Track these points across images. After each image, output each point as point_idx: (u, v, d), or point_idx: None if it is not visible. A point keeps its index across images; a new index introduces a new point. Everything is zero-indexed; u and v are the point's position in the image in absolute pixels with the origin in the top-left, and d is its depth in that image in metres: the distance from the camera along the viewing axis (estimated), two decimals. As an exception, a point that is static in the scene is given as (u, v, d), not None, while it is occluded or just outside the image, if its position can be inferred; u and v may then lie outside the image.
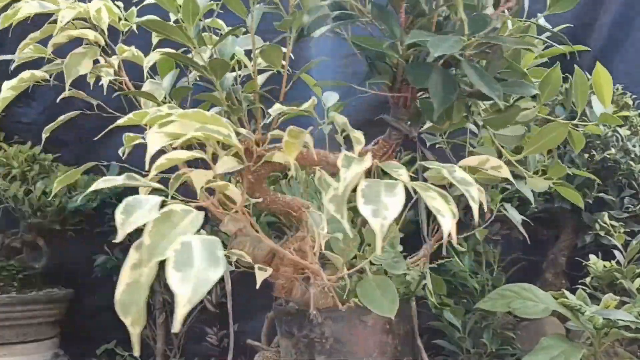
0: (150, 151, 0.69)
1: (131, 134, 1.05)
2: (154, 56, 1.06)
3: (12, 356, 1.61)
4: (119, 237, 0.57)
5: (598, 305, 1.17)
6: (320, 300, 1.01)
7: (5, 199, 1.66)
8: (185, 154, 0.74)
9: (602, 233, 1.38)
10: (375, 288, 0.98)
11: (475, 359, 1.38)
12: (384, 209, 0.63)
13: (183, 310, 0.50)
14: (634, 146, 1.46)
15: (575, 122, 1.03)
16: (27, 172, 1.70)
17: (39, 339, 1.67)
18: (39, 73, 1.01)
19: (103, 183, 0.74)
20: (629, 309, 1.12)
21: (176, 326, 0.50)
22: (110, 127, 0.88)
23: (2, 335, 1.60)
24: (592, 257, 1.33)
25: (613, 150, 1.44)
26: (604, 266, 1.30)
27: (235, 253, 0.95)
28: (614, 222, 1.37)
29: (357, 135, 0.80)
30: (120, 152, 1.03)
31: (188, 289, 0.51)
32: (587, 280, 1.32)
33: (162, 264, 0.55)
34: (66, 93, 1.01)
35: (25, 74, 1.00)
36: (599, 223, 1.39)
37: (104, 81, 1.07)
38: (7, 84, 0.98)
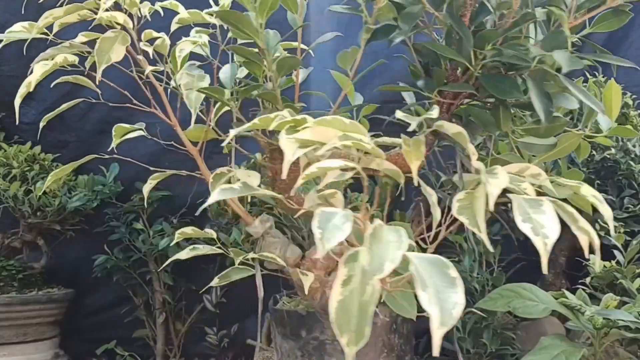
0: (288, 159, 0.65)
1: (125, 125, 1.02)
2: (186, 45, 1.01)
3: (12, 356, 1.61)
4: (320, 253, 0.54)
5: (598, 305, 1.17)
6: None
7: (5, 199, 1.66)
8: (338, 164, 0.69)
9: (602, 233, 1.38)
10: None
11: (475, 359, 1.38)
12: (540, 227, 0.64)
13: (438, 333, 0.49)
14: (634, 146, 1.46)
15: (587, 132, 1.03)
16: (27, 172, 1.70)
17: (39, 339, 1.67)
18: (71, 57, 0.96)
19: (223, 193, 0.73)
20: (629, 309, 1.11)
21: (435, 350, 0.49)
22: (241, 128, 0.80)
23: (2, 335, 1.60)
24: (592, 257, 1.33)
25: (613, 150, 1.44)
26: (604, 266, 1.29)
27: (267, 256, 0.94)
28: (614, 222, 1.37)
29: (473, 149, 0.79)
30: (113, 145, 1.01)
31: (436, 311, 0.50)
32: (587, 280, 1.32)
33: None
34: (98, 79, 0.92)
35: (59, 58, 0.95)
36: (599, 223, 1.39)
37: (126, 72, 0.99)
38: (39, 67, 0.93)
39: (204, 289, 1.03)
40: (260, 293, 0.99)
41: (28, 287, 1.71)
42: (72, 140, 1.85)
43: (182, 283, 1.84)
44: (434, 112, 0.74)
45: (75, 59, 0.95)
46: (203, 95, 0.95)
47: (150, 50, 0.98)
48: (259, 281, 1.00)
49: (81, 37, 0.96)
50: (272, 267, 0.98)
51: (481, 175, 0.70)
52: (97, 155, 1.04)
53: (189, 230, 1.03)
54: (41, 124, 1.03)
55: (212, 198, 0.72)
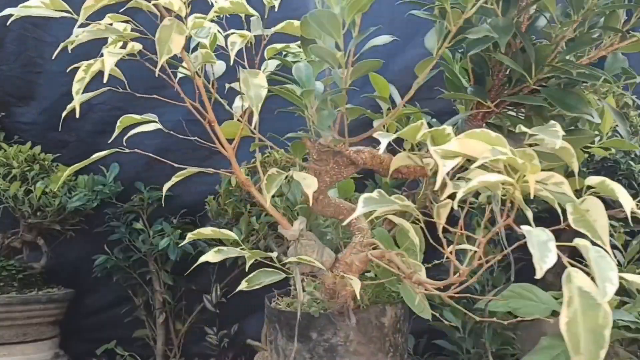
0: (442, 172, 0.65)
1: (135, 116, 0.97)
2: (236, 39, 0.95)
3: (12, 356, 1.61)
4: (539, 274, 0.57)
5: (598, 305, 1.17)
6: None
7: (5, 199, 1.66)
8: (496, 178, 0.68)
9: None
10: (411, 291, 1.00)
11: (475, 359, 1.38)
12: None
13: None
14: (634, 146, 1.46)
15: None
16: (27, 172, 1.70)
17: (39, 339, 1.67)
18: (138, 45, 0.90)
19: (368, 205, 0.72)
20: (629, 309, 1.11)
21: None
22: (392, 136, 0.76)
23: (2, 335, 1.60)
24: (592, 257, 1.33)
25: (613, 150, 1.44)
26: (604, 266, 1.29)
27: (305, 259, 0.93)
28: (614, 222, 1.37)
29: (577, 165, 0.80)
30: (121, 137, 0.97)
31: None
32: (587, 280, 1.32)
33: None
34: (157, 71, 0.84)
35: (128, 47, 0.89)
36: (599, 223, 1.39)
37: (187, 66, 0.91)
38: (111, 56, 0.84)
39: (236, 290, 0.99)
40: (300, 296, 0.97)
41: (28, 287, 1.71)
42: (72, 140, 1.84)
43: (182, 283, 1.84)
44: (559, 129, 0.73)
45: (140, 47, 0.89)
46: (264, 93, 0.89)
47: (206, 41, 0.92)
48: (299, 285, 0.98)
49: (107, 19, 0.89)
50: (306, 270, 0.97)
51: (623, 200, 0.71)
52: (118, 149, 0.99)
53: (207, 231, 1.00)
54: (64, 114, 0.96)
55: (359, 210, 0.72)
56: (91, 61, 0.85)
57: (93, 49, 0.90)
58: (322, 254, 0.96)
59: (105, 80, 0.81)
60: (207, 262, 1.78)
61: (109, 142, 0.97)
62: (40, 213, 1.69)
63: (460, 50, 1.05)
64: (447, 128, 0.71)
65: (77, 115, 0.85)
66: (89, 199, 1.70)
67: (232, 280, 1.78)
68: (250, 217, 1.53)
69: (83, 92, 0.88)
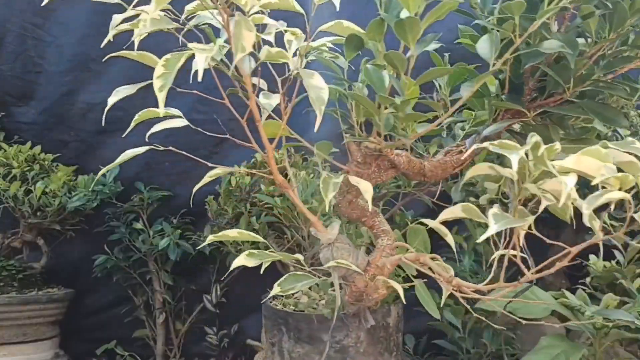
0: (567, 189, 0.68)
1: (157, 110, 0.92)
2: (290, 37, 0.91)
3: (12, 356, 1.61)
4: None
5: (598, 305, 1.17)
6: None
7: (5, 199, 1.66)
8: (619, 195, 0.71)
9: (602, 233, 1.38)
10: (423, 292, 1.00)
11: (475, 359, 1.38)
12: None
13: None
14: (634, 146, 1.46)
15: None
16: (27, 172, 1.70)
17: (39, 339, 1.67)
18: (221, 40, 0.86)
19: (503, 224, 0.74)
20: (629, 309, 1.12)
21: None
22: (521, 150, 0.74)
23: (2, 335, 1.60)
24: (592, 257, 1.33)
25: (613, 150, 1.44)
26: (604, 266, 1.29)
27: (343, 264, 0.93)
28: (614, 222, 1.37)
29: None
30: (121, 138, 0.95)
31: None
32: (587, 280, 1.32)
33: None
34: (231, 70, 0.81)
35: (220, 40, 0.86)
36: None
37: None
38: (202, 54, 0.79)
39: (270, 295, 0.96)
40: (338, 301, 0.96)
41: (28, 287, 1.71)
42: (72, 140, 1.85)
43: (182, 283, 1.84)
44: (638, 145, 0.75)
45: (221, 41, 0.86)
46: (325, 95, 0.85)
47: (271, 38, 0.89)
48: (337, 288, 0.96)
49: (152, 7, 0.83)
50: (340, 273, 0.97)
51: None
52: (153, 146, 0.95)
53: (232, 233, 0.97)
54: (106, 109, 0.93)
55: (493, 228, 0.74)
56: (168, 56, 0.80)
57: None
58: (357, 257, 0.96)
59: (199, 79, 0.76)
60: (207, 263, 1.79)
61: (124, 136, 0.94)
62: (40, 213, 1.69)
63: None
64: (557, 144, 0.73)
65: (161, 115, 0.81)
66: (89, 199, 1.70)
67: (232, 280, 1.78)
68: (250, 217, 1.53)
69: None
